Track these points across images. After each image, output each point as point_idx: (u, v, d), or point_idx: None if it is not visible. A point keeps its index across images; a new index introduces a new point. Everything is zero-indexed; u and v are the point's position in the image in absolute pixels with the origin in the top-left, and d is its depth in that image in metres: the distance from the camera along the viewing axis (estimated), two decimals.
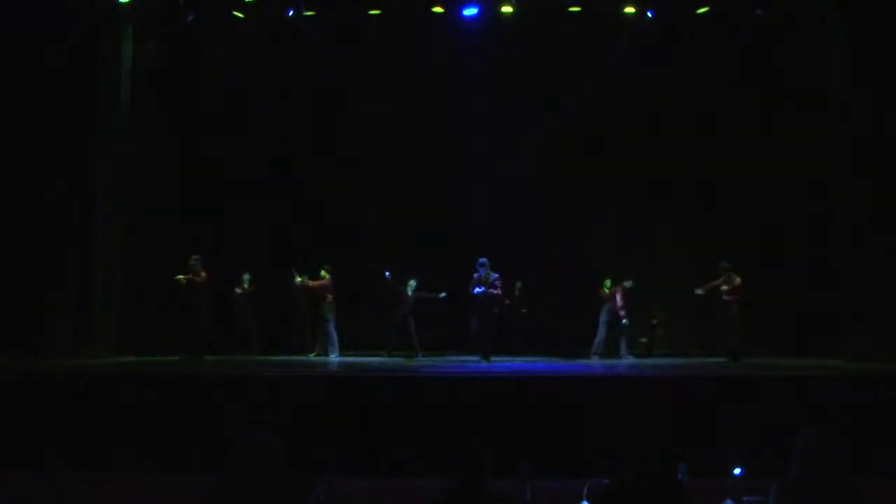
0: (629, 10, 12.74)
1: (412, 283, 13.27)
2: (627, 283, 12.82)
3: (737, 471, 6.06)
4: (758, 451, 7.31)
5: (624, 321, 12.79)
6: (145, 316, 13.82)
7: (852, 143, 11.63)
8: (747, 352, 12.11)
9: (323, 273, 13.11)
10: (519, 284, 14.59)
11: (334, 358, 12.74)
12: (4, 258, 11.27)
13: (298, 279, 13.45)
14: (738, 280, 11.95)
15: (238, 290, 13.53)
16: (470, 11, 13.22)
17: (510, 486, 4.61)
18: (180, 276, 12.00)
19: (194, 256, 12.15)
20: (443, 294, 13.09)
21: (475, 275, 12.18)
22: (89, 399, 8.96)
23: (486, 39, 13.95)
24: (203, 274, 12.12)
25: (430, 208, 15.21)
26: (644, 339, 13.65)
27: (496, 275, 12.19)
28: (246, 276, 13.53)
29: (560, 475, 6.94)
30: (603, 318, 12.98)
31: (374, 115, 14.89)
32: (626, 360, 12.46)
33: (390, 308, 13.39)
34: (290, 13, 12.92)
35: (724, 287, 11.94)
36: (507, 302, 14.35)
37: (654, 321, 13.99)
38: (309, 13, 12.98)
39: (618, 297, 12.84)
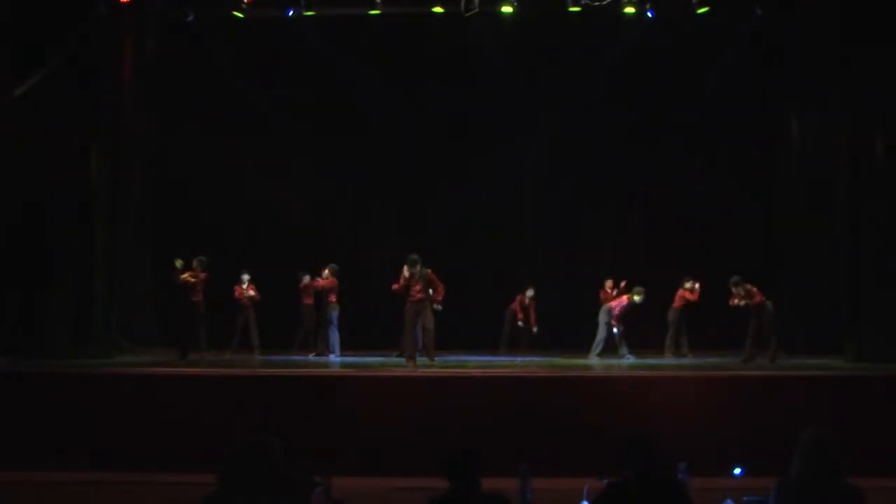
0: (629, 10, 12.71)
1: None
2: (637, 298, 12.58)
3: (737, 471, 6.07)
4: (758, 451, 7.32)
5: (615, 330, 12.67)
6: (145, 316, 13.88)
7: (852, 142, 11.62)
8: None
9: (328, 273, 13.10)
10: (530, 293, 14.27)
11: (334, 358, 12.74)
12: (4, 258, 11.25)
13: (306, 278, 13.41)
14: (752, 288, 11.84)
15: (238, 290, 13.50)
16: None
17: (510, 486, 4.61)
18: (185, 276, 11.99)
19: (200, 257, 12.17)
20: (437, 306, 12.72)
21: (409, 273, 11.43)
22: (89, 399, 8.97)
23: (486, 39, 13.93)
24: (202, 275, 12.13)
25: (431, 208, 15.21)
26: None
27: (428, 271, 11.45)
28: (245, 276, 13.51)
29: (560, 475, 6.96)
30: (603, 318, 12.95)
31: (374, 114, 14.87)
32: (627, 360, 12.44)
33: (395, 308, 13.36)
34: (290, 13, 12.90)
35: (744, 302, 11.84)
36: (520, 321, 14.16)
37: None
38: (309, 13, 12.95)
39: (621, 303, 12.73)
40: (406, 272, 11.52)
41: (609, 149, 14.66)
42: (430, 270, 11.47)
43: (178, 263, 12.04)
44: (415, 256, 11.45)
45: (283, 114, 14.83)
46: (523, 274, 14.50)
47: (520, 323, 14.07)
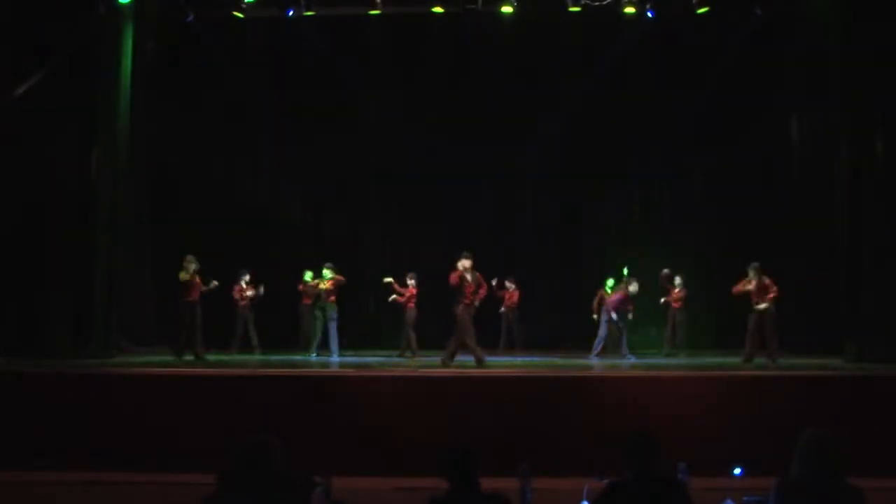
0: (629, 10, 12.73)
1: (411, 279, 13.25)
2: (633, 288, 12.69)
3: (737, 471, 6.07)
4: (758, 451, 7.32)
5: (613, 316, 12.65)
6: (145, 316, 13.88)
7: (852, 142, 11.62)
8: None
9: (327, 273, 13.09)
10: (511, 286, 14.35)
11: (334, 358, 12.74)
12: (4, 258, 11.25)
13: (310, 278, 13.43)
14: (769, 281, 11.74)
15: (238, 289, 13.52)
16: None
17: (510, 486, 4.61)
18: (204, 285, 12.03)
19: (189, 256, 12.11)
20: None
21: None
22: (89, 399, 8.96)
23: (486, 39, 13.94)
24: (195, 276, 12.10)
25: (430, 207, 15.22)
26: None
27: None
28: (245, 277, 13.52)
29: (560, 475, 6.96)
30: (604, 316, 12.95)
31: (373, 114, 14.89)
32: (627, 360, 12.44)
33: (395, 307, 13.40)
34: (290, 13, 12.90)
35: (751, 287, 11.71)
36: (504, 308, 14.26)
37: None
38: (309, 13, 12.95)
39: (617, 297, 12.80)
40: (461, 265, 10.91)
41: (609, 149, 14.67)
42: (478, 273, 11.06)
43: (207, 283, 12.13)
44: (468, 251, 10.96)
45: (282, 114, 14.83)
46: (523, 274, 14.49)
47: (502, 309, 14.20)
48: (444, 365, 10.76)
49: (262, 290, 13.20)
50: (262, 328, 13.67)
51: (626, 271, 12.95)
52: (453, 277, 10.93)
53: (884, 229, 11.17)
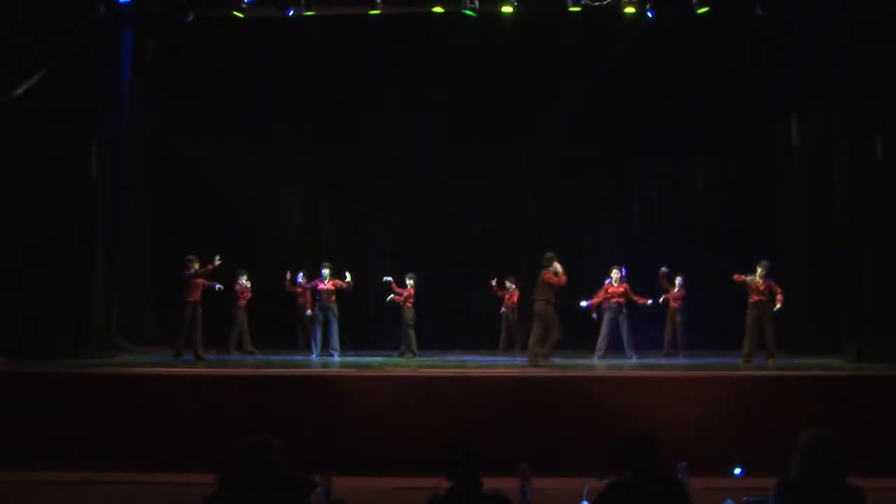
0: (629, 10, 12.72)
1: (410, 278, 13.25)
2: (614, 275, 12.74)
3: (737, 471, 6.07)
4: (758, 451, 7.32)
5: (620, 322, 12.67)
6: (145, 316, 13.88)
7: (852, 142, 11.62)
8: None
9: (328, 273, 13.09)
10: (511, 286, 14.33)
11: (334, 358, 12.74)
12: (4, 258, 11.25)
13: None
14: (776, 284, 11.68)
15: (237, 289, 13.51)
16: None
17: (510, 486, 4.61)
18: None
19: (190, 256, 12.16)
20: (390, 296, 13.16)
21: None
22: (89, 399, 8.96)
23: (485, 39, 13.93)
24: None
25: (430, 207, 15.21)
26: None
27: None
28: (244, 277, 13.50)
29: (560, 475, 6.97)
30: (606, 315, 12.93)
31: (373, 114, 14.88)
32: (631, 359, 12.43)
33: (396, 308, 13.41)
34: (290, 13, 12.90)
35: (748, 279, 11.64)
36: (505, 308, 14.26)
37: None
38: (309, 13, 12.95)
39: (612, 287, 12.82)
40: (559, 267, 11.48)
41: (609, 149, 14.66)
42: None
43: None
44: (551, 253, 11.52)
45: (282, 113, 14.82)
46: (523, 274, 14.47)
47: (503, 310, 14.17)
48: (537, 365, 11.10)
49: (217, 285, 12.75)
50: (262, 329, 13.65)
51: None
52: (564, 279, 11.45)
53: (884, 229, 11.17)
